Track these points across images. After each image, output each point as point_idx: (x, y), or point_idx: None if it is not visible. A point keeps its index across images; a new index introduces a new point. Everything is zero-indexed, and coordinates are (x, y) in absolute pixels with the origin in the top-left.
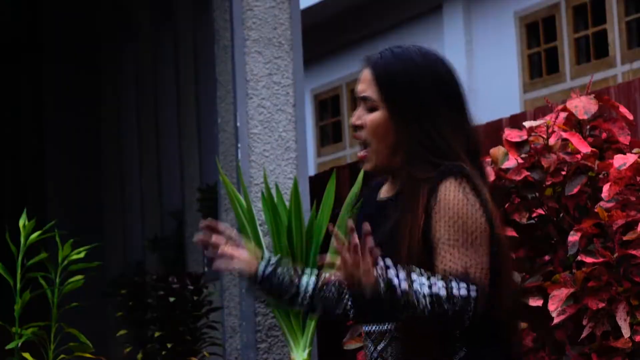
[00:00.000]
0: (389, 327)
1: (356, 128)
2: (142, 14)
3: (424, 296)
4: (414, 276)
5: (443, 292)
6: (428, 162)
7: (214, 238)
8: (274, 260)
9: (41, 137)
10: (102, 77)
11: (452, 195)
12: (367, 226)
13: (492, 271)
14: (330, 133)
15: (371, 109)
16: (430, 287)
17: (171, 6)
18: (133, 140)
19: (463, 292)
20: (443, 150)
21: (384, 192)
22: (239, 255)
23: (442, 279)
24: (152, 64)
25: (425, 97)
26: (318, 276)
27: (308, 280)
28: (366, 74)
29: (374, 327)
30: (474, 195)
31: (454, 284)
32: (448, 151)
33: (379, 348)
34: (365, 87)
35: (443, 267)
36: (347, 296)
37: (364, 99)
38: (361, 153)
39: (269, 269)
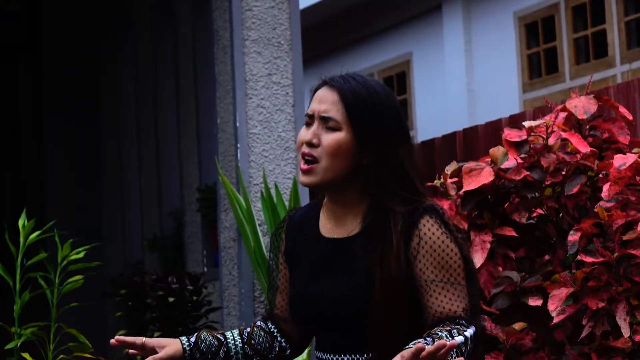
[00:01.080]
0: (365, 358)
1: (308, 145)
2: (142, 14)
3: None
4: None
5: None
6: (396, 194)
7: (130, 351)
8: (192, 336)
9: (41, 137)
10: (102, 77)
11: (434, 235)
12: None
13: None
14: None
15: (332, 129)
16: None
17: (171, 6)
18: (132, 141)
19: (468, 333)
20: (408, 183)
21: (331, 231)
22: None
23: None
24: (152, 64)
25: (389, 126)
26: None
27: (232, 334)
28: (328, 94)
29: (345, 357)
30: (448, 232)
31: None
32: (411, 185)
33: None
34: (328, 107)
35: (442, 309)
36: (279, 338)
37: (325, 119)
38: (305, 166)
39: (192, 339)
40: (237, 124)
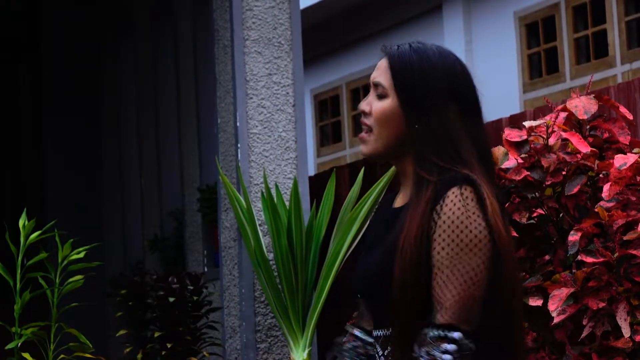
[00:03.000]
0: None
1: (364, 114)
2: (142, 14)
3: None
4: None
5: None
6: (433, 163)
7: None
8: None
9: (41, 137)
10: (102, 76)
11: (455, 209)
12: None
13: (494, 273)
14: (330, 133)
15: (381, 96)
16: None
17: (171, 6)
18: (133, 140)
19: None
20: (449, 152)
21: (400, 200)
22: None
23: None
24: (152, 63)
25: (437, 94)
26: None
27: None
28: (382, 62)
29: (380, 332)
30: (476, 204)
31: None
32: (454, 154)
33: (385, 353)
34: (379, 74)
35: (435, 294)
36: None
37: (376, 85)
38: (362, 135)
39: None
40: (238, 124)
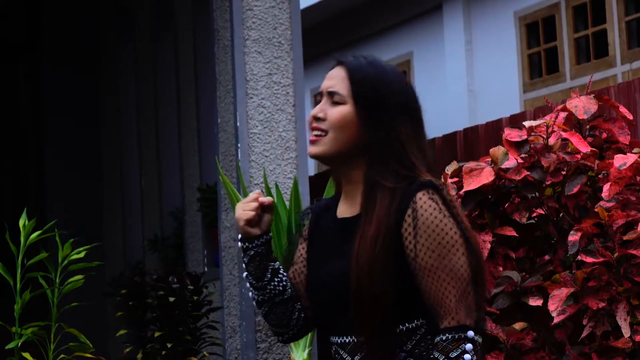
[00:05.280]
0: (352, 340)
1: (316, 119)
2: (142, 14)
3: None
4: None
5: None
6: (390, 170)
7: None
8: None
9: (41, 137)
10: (102, 76)
11: (428, 212)
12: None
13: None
14: None
15: (337, 104)
16: None
17: (171, 6)
18: (133, 140)
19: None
20: (406, 160)
21: (343, 211)
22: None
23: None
24: (152, 63)
25: (393, 106)
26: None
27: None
28: (337, 71)
29: (346, 339)
30: (446, 208)
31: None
32: (410, 163)
33: (355, 359)
34: (335, 82)
35: (433, 296)
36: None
37: (331, 93)
38: (312, 136)
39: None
40: (238, 124)
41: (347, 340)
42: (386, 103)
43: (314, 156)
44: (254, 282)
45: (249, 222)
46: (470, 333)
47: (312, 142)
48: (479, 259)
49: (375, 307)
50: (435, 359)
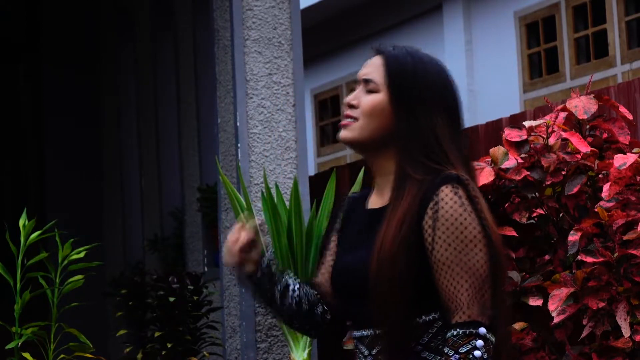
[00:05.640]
0: (380, 332)
1: (350, 107)
2: (142, 14)
3: None
4: None
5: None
6: (420, 162)
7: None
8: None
9: (41, 137)
10: (102, 76)
11: (450, 206)
12: None
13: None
14: (330, 133)
15: (371, 92)
16: None
17: (171, 6)
18: (133, 140)
19: (455, 357)
20: (438, 153)
21: (373, 202)
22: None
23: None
24: (152, 64)
25: (428, 98)
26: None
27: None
28: (375, 60)
29: (366, 332)
30: (469, 203)
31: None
32: (442, 156)
33: (374, 352)
34: (371, 70)
35: (446, 292)
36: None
37: (367, 81)
38: (344, 122)
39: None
40: (238, 124)
41: (365, 334)
42: (421, 94)
43: (343, 141)
44: (266, 306)
45: (240, 265)
46: (482, 330)
47: (343, 127)
48: (499, 257)
49: (394, 294)
50: (446, 355)
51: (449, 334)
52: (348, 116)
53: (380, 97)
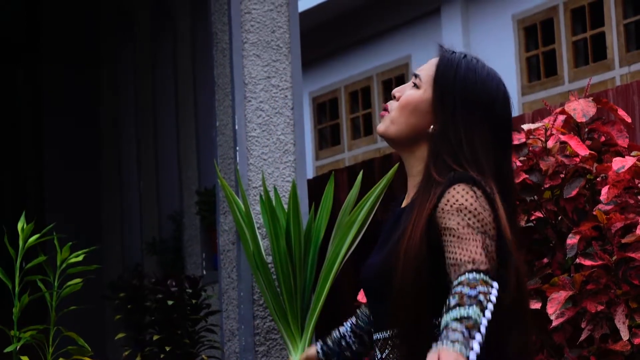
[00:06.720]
0: (389, 335)
1: (393, 98)
2: (141, 16)
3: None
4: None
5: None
6: (447, 167)
7: None
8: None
9: (40, 139)
10: (101, 77)
11: (460, 194)
12: None
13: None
14: (328, 136)
15: (415, 86)
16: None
17: (169, 9)
18: (131, 143)
19: (473, 292)
20: (468, 162)
21: (405, 200)
22: None
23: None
24: (151, 66)
25: (472, 106)
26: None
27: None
28: (433, 59)
29: (379, 335)
30: (485, 197)
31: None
32: (473, 165)
33: (383, 355)
34: (424, 68)
35: (450, 259)
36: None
37: (415, 75)
38: (382, 112)
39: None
40: (236, 127)
41: (379, 337)
42: (463, 101)
43: (379, 133)
44: None
45: None
46: (495, 284)
47: (381, 117)
48: (515, 259)
49: (410, 292)
50: (459, 293)
51: (462, 278)
52: (385, 108)
53: (419, 94)
